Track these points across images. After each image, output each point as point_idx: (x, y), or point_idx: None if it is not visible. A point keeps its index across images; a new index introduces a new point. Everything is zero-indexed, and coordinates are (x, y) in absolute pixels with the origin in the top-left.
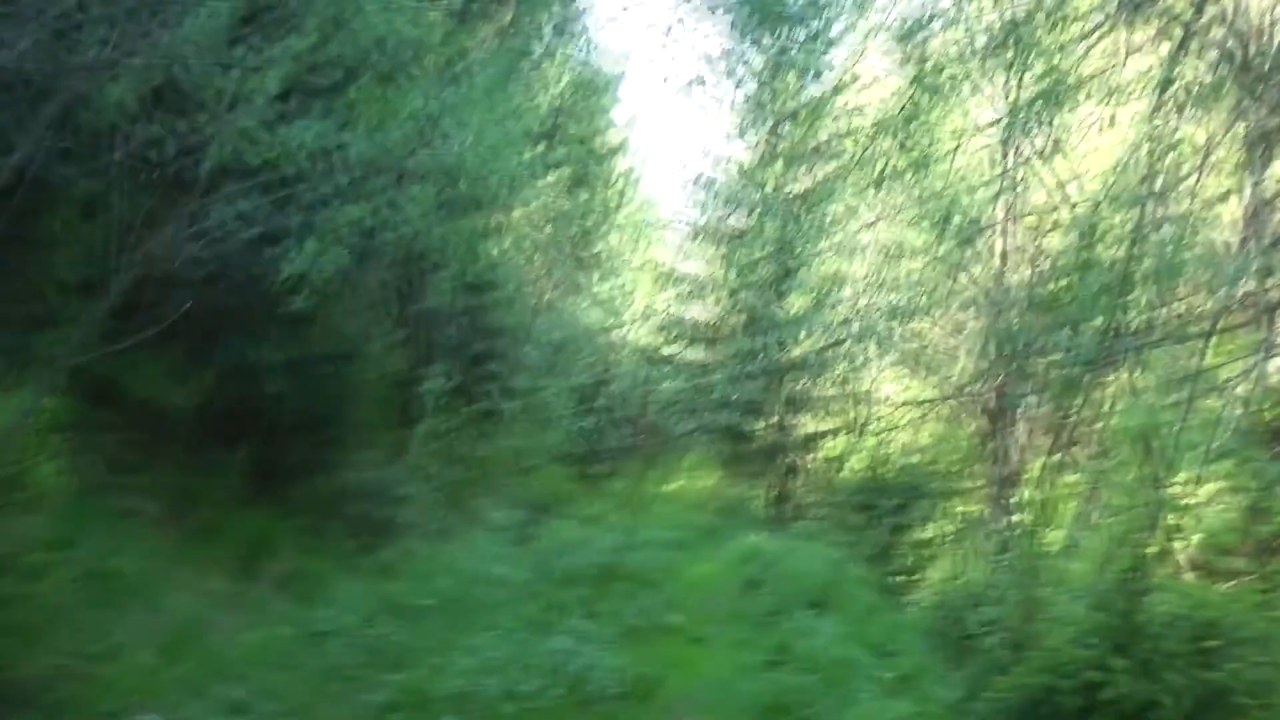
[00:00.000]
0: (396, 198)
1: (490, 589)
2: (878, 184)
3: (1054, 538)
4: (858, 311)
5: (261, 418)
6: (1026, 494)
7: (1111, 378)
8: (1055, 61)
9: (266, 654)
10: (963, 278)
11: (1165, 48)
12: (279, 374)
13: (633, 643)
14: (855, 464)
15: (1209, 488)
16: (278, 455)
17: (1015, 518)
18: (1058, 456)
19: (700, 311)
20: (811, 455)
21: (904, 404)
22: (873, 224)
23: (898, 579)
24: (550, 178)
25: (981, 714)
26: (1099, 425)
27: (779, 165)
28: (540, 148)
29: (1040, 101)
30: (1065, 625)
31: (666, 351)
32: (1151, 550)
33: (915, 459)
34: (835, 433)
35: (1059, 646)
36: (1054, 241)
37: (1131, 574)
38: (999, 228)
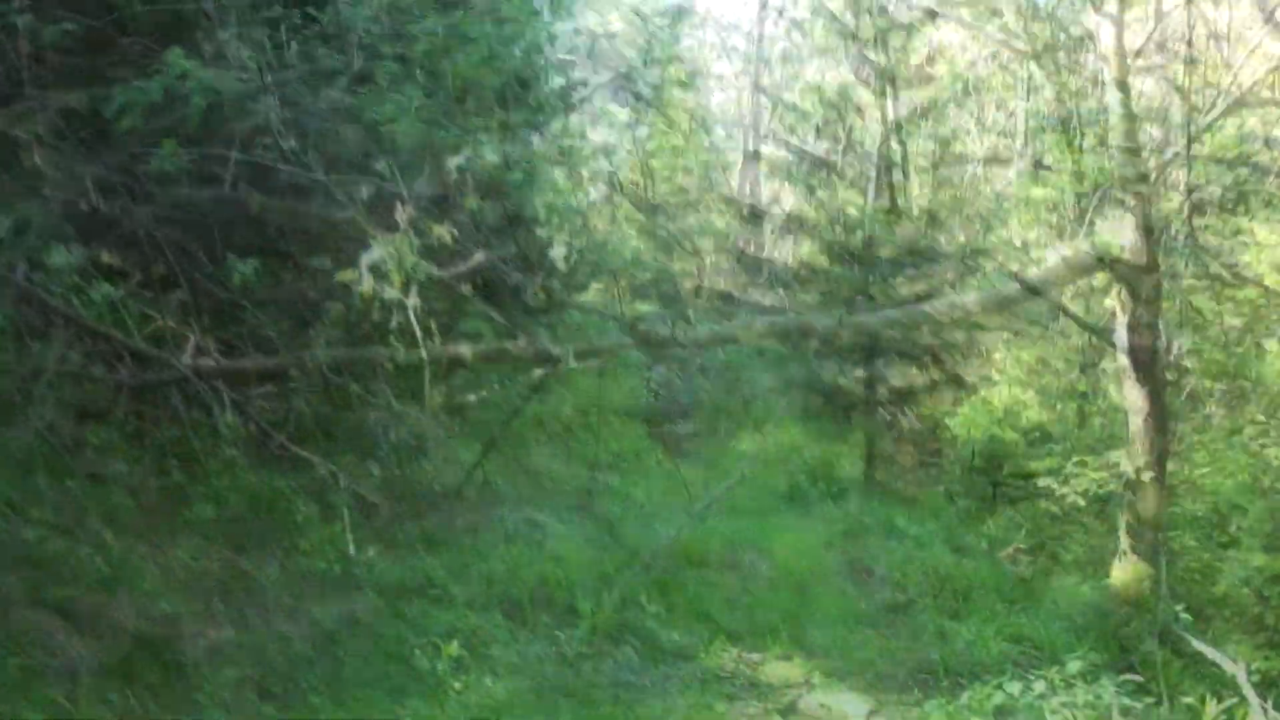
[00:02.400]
0: None
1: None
2: None
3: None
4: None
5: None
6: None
7: None
8: None
9: None
10: None
11: None
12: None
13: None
14: (965, 422)
15: None
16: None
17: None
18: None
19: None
20: (913, 411)
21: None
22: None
23: (1024, 561)
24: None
25: None
26: None
27: (874, 90)
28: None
29: None
30: None
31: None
32: None
33: (1041, 418)
34: (942, 385)
35: None
36: None
37: None
38: None
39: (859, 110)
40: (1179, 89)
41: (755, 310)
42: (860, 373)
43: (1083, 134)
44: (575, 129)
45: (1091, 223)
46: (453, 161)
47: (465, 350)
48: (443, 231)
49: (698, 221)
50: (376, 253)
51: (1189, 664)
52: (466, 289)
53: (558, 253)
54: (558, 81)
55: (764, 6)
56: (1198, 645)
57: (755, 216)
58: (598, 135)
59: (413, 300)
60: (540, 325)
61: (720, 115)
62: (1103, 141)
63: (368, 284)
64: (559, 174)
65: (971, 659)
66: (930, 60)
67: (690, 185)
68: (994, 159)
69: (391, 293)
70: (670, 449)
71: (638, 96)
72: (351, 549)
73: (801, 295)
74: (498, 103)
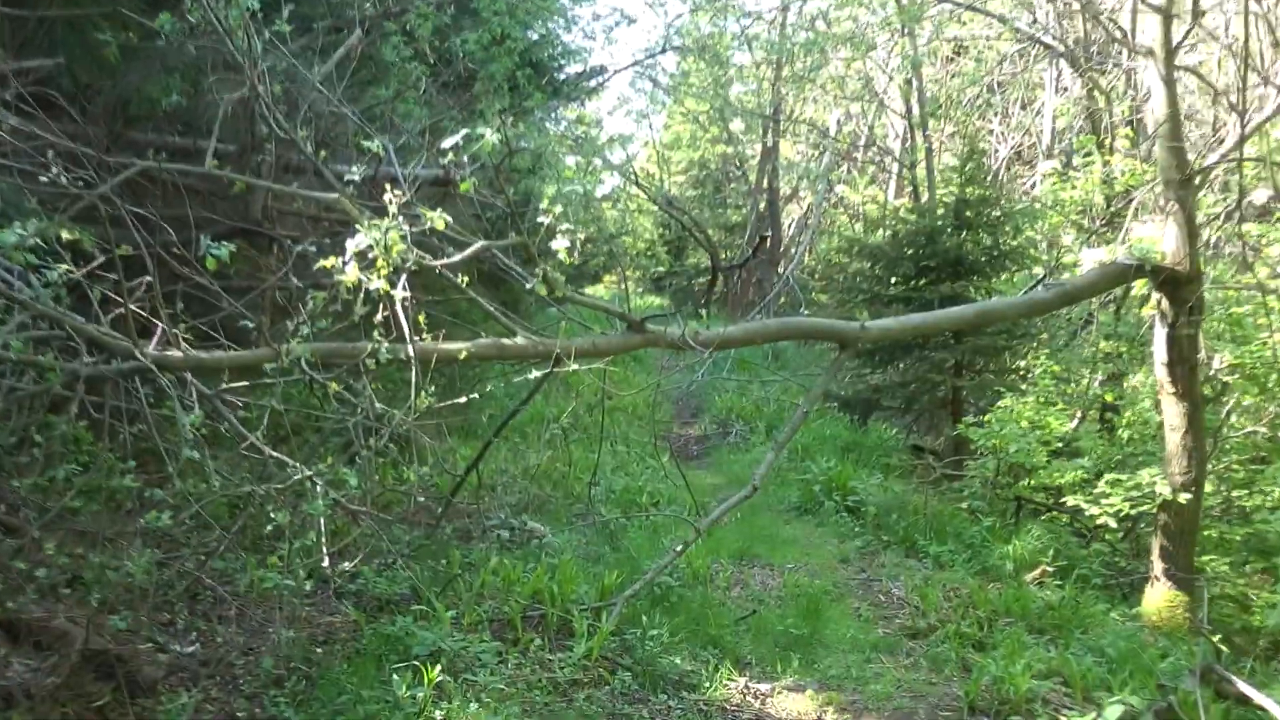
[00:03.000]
0: None
1: None
2: None
3: None
4: (997, 251)
5: None
6: None
7: None
8: None
9: None
10: None
11: None
12: None
13: (722, 680)
14: (989, 434)
15: None
16: None
17: None
18: None
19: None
20: (936, 420)
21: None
22: None
23: (1051, 585)
24: None
25: None
26: None
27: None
28: None
29: None
30: None
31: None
32: None
33: (1069, 430)
34: (968, 393)
35: None
36: None
37: None
38: None
39: (882, 104)
40: (1220, 89)
41: (771, 309)
42: (879, 378)
43: (1114, 134)
44: (589, 117)
45: (1127, 228)
46: (448, 143)
47: (458, 347)
48: (436, 217)
49: (713, 215)
50: (362, 239)
51: (1232, 707)
52: (463, 279)
53: (561, 243)
54: (574, 67)
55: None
56: (1243, 688)
57: (773, 211)
58: (615, 124)
59: (401, 292)
60: (544, 319)
61: (739, 106)
62: (1135, 143)
63: (352, 273)
64: (571, 161)
65: (998, 695)
66: (957, 54)
67: (707, 178)
68: (1018, 158)
69: (378, 283)
70: (679, 453)
71: (655, 83)
72: (327, 561)
73: (820, 295)
74: (508, 86)
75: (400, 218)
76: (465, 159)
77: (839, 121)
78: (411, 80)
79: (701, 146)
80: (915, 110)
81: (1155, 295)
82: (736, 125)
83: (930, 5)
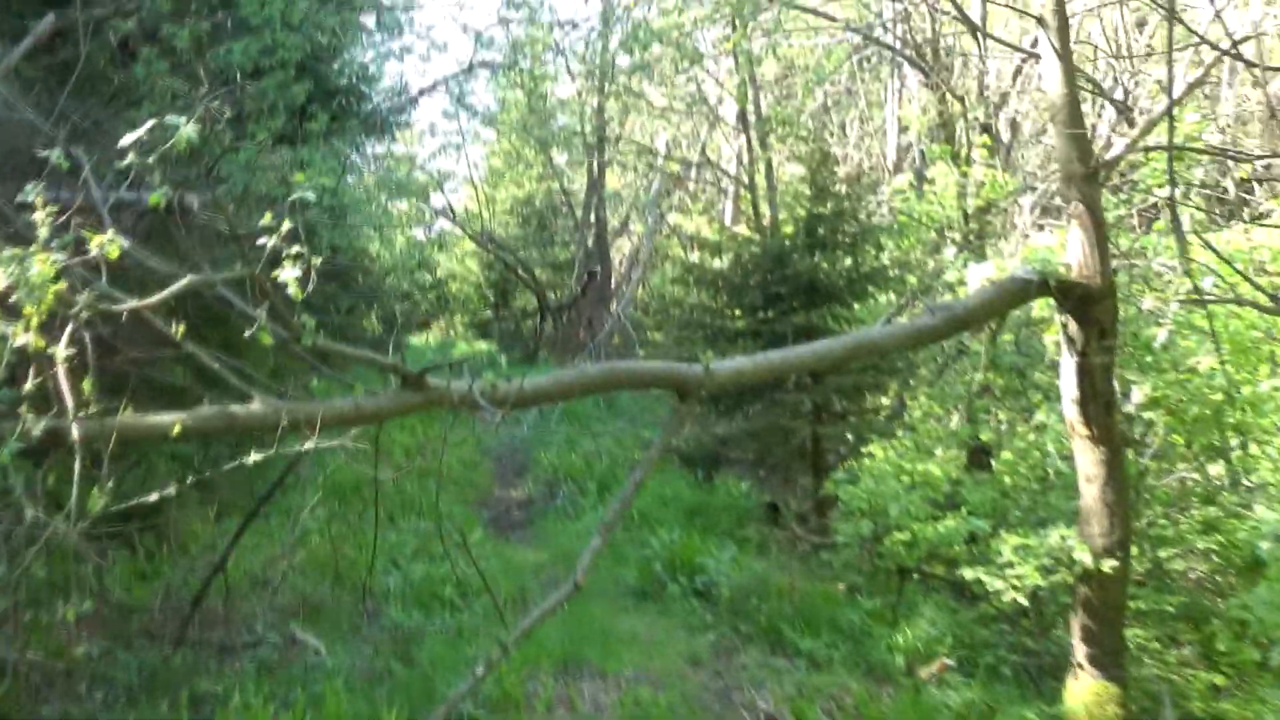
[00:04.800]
0: None
1: None
2: None
3: None
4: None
5: None
6: None
7: None
8: None
9: None
10: None
11: None
12: None
13: None
14: (861, 491)
15: None
16: None
17: None
18: None
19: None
20: (796, 477)
21: None
22: None
23: (954, 682)
24: None
25: None
26: None
27: (735, 96)
28: None
29: None
30: None
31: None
32: None
33: (954, 483)
34: (829, 443)
35: None
36: None
37: None
38: None
39: (715, 118)
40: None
41: (602, 351)
42: (725, 427)
43: (970, 144)
44: (401, 159)
45: (1021, 236)
46: (129, 138)
47: (163, 420)
48: (107, 241)
49: (541, 254)
50: None
51: None
52: (178, 329)
53: (290, 273)
54: (381, 99)
55: (606, 21)
56: None
57: (601, 245)
58: (428, 154)
59: (63, 350)
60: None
61: (560, 132)
62: (993, 152)
63: None
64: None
65: None
66: (787, 73)
67: (532, 214)
68: (858, 180)
69: (24, 338)
70: (499, 523)
71: (466, 108)
72: None
73: (655, 334)
74: (286, 106)
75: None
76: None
77: (668, 144)
78: (164, 96)
79: (525, 181)
80: (751, 118)
81: (1060, 317)
82: (560, 158)
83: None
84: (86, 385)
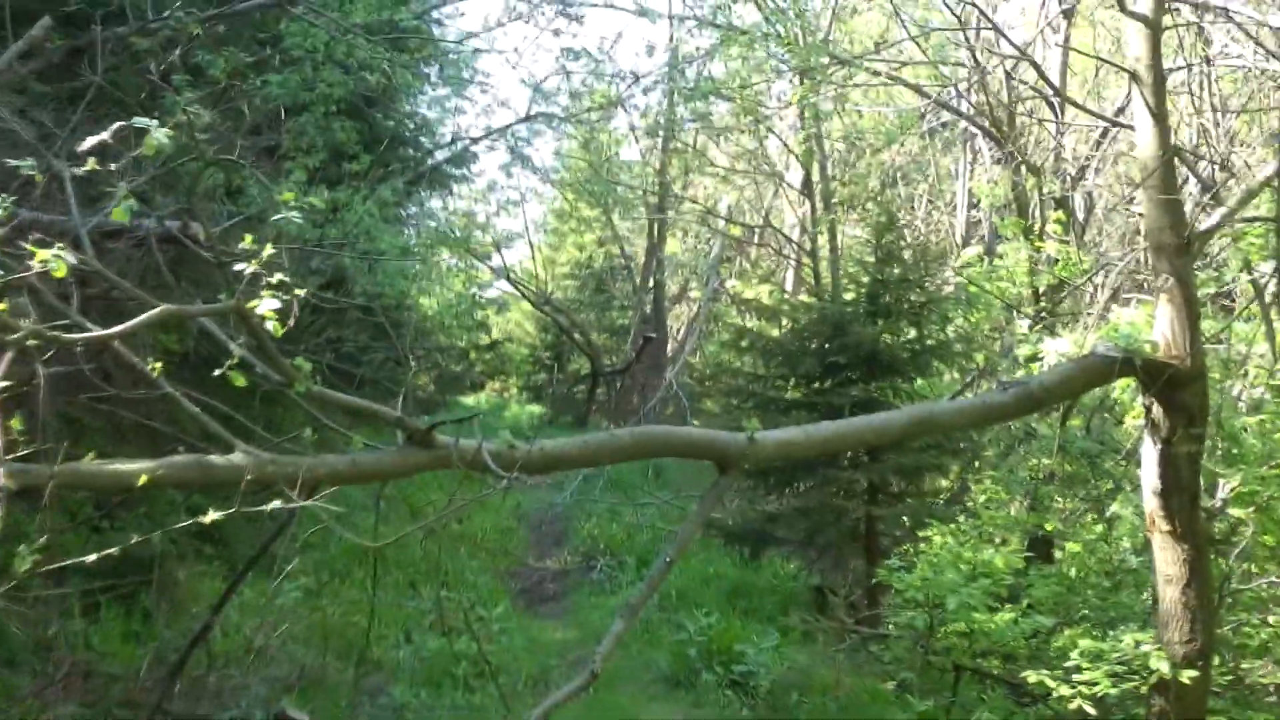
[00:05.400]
0: None
1: None
2: None
3: None
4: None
5: None
6: None
7: None
8: None
9: None
10: None
11: None
12: None
13: None
14: (919, 581)
15: None
16: None
17: None
18: None
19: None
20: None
21: None
22: None
23: None
24: None
25: None
26: None
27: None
28: None
29: None
30: None
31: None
32: None
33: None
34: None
35: None
36: None
37: None
38: None
39: (779, 179)
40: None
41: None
42: (774, 504)
43: (1044, 217)
44: (463, 218)
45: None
46: (90, 141)
47: (128, 469)
48: (52, 255)
49: (598, 318)
50: None
51: None
52: (154, 366)
53: (269, 304)
54: (433, 147)
55: (672, 75)
56: None
57: (658, 310)
58: (490, 211)
59: None
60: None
61: (620, 189)
62: (1067, 227)
63: None
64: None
65: None
66: (856, 138)
67: (590, 276)
68: (924, 254)
69: None
70: (530, 595)
71: (526, 163)
72: None
73: (708, 402)
74: (326, 145)
75: None
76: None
77: (729, 208)
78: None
79: (585, 245)
80: (816, 180)
81: (1143, 400)
82: (620, 220)
83: (832, 71)
84: (16, 423)
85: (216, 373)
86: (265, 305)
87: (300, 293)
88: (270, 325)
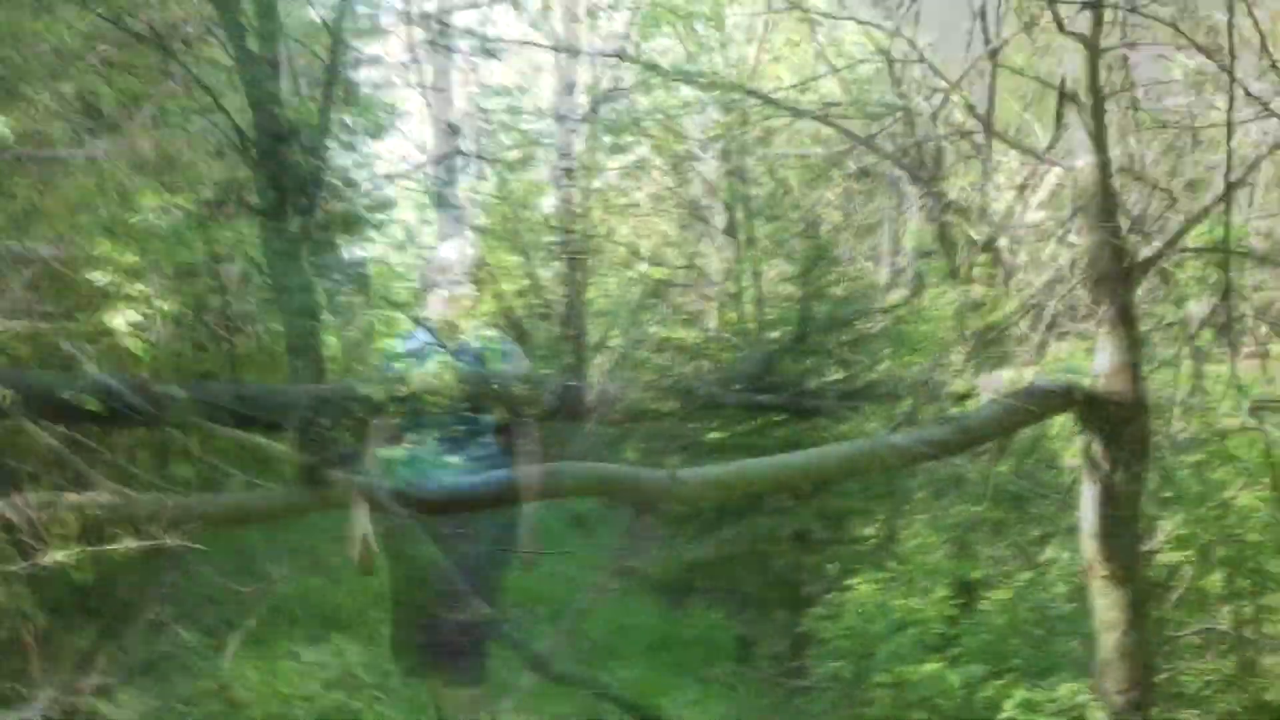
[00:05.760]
0: None
1: None
2: None
3: None
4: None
5: None
6: None
7: None
8: None
9: None
10: None
11: None
12: None
13: None
14: (849, 628)
15: None
16: None
17: None
18: None
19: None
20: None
21: None
22: None
23: None
24: None
25: None
26: None
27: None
28: None
29: None
30: None
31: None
32: None
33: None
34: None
35: None
36: None
37: None
38: None
39: (700, 231)
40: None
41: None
42: (694, 551)
43: (971, 261)
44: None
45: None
46: None
47: None
48: None
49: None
50: None
51: None
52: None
53: (125, 316)
54: (341, 188)
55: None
56: None
57: (578, 357)
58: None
59: None
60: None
61: (537, 226)
62: (995, 268)
63: None
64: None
65: None
66: (783, 171)
67: (509, 325)
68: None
69: None
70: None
71: (437, 201)
72: None
73: (630, 452)
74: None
75: None
76: None
77: (650, 251)
78: None
79: (503, 293)
80: (740, 218)
81: (1084, 437)
82: (541, 267)
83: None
84: None
85: (68, 395)
86: (120, 318)
87: (164, 306)
88: (127, 341)
